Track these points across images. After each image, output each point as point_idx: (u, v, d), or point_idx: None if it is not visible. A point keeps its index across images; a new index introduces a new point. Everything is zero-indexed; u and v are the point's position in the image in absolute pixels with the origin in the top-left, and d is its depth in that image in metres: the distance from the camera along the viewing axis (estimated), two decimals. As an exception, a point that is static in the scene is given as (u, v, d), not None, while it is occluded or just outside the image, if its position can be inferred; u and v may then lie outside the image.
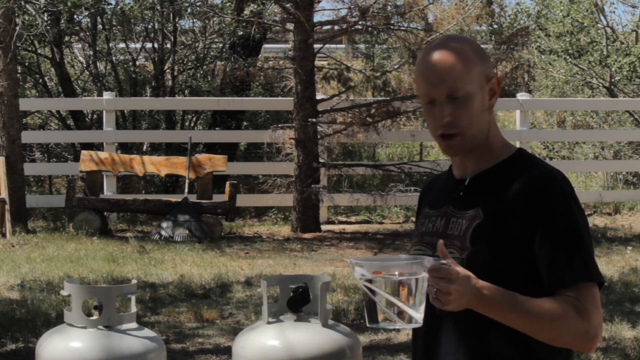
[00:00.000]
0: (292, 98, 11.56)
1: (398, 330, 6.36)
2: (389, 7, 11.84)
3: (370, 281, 2.19)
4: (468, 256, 2.34)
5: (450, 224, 2.42)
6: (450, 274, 2.19)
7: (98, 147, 12.90)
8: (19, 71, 13.99)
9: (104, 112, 12.57)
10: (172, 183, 13.77)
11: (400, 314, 2.19)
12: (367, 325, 2.24)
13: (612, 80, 15.22)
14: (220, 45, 15.06)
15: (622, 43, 15.27)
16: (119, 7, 14.77)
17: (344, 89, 11.98)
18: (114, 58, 15.01)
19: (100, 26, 15.13)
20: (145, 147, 14.31)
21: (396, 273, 2.18)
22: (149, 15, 14.80)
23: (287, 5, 11.35)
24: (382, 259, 2.30)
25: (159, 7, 14.53)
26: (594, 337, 2.27)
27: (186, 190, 11.32)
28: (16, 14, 11.02)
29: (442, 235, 2.42)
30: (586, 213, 13.61)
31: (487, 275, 2.30)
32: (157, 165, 11.54)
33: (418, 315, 2.20)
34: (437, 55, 2.39)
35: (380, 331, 6.65)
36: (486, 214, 2.36)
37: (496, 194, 2.37)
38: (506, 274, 2.32)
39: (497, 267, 2.32)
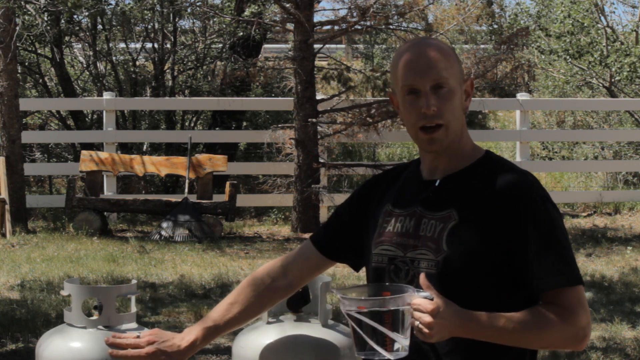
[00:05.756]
0: (292, 98, 11.55)
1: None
2: (388, 7, 11.84)
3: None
4: (444, 259, 2.33)
5: (422, 224, 2.40)
6: (432, 308, 2.18)
7: (98, 147, 12.90)
8: (19, 71, 13.99)
9: (104, 112, 12.56)
10: (172, 183, 13.77)
11: (385, 345, 2.21)
12: (355, 354, 2.27)
13: (612, 80, 15.22)
14: (220, 45, 15.06)
15: (622, 43, 15.26)
16: (119, 7, 14.77)
17: (344, 89, 11.97)
18: (114, 58, 15.01)
19: (100, 26, 15.13)
20: (145, 147, 14.30)
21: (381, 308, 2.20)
22: (149, 15, 14.80)
23: (287, 6, 11.34)
24: (368, 288, 2.32)
25: (159, 7, 14.53)
26: (583, 338, 2.31)
27: (186, 190, 11.32)
28: (16, 14, 11.02)
29: (414, 236, 2.40)
30: (586, 213, 13.51)
31: (463, 277, 2.31)
32: (157, 165, 11.54)
33: (403, 344, 2.22)
34: (422, 48, 2.39)
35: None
36: (461, 216, 2.35)
37: (471, 196, 2.36)
38: (481, 275, 2.32)
39: (472, 269, 2.32)
